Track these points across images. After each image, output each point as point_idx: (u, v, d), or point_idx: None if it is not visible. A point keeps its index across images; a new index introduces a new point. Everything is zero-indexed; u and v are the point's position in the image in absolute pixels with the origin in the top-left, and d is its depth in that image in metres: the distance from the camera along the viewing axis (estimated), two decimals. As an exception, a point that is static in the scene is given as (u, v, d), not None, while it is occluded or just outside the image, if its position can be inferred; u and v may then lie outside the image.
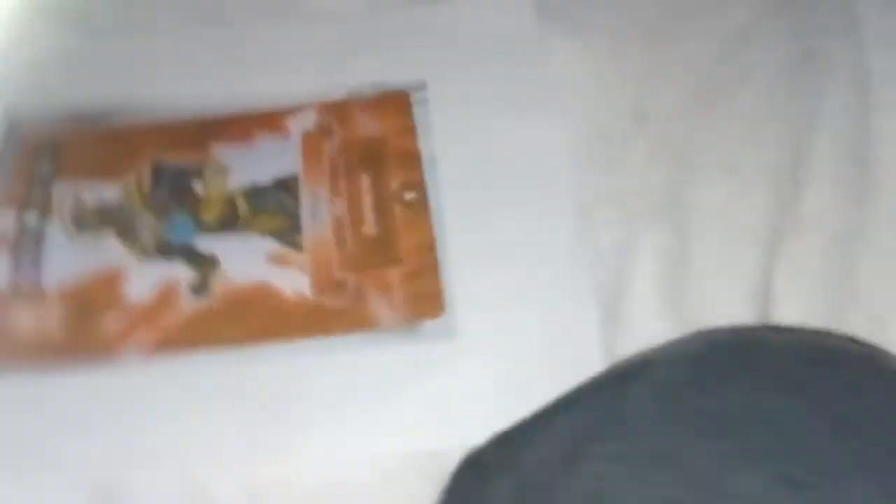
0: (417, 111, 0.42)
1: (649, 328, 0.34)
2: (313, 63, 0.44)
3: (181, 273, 0.37)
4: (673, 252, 0.37)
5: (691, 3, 0.44)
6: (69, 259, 0.36)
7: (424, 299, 0.36)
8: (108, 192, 0.38)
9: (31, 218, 0.37)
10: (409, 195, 0.39)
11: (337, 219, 0.39)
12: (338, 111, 0.42)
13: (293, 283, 0.37)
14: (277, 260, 0.37)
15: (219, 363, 0.34)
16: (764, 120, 0.40)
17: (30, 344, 0.34)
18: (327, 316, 0.36)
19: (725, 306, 0.35)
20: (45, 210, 0.38)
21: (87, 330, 0.35)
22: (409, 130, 0.41)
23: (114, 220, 0.38)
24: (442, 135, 0.41)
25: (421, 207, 0.39)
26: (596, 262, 0.37)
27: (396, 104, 0.42)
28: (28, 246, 0.36)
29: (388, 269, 0.37)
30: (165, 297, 0.36)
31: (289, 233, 0.38)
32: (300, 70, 0.43)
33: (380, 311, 0.36)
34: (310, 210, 0.39)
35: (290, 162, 0.40)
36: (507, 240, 0.38)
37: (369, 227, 0.39)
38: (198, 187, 0.39)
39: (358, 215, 0.39)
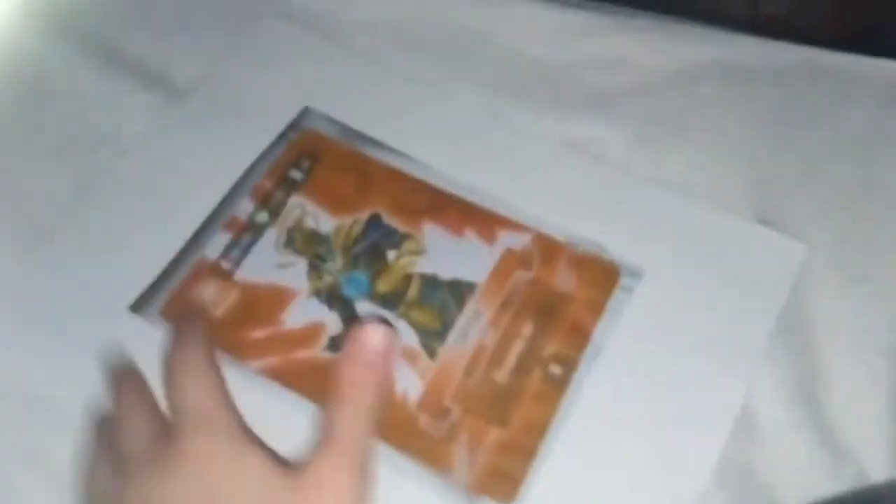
0: (618, 295, 0.39)
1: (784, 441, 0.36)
2: (561, 191, 0.43)
3: (331, 322, 0.40)
4: (801, 367, 0.37)
5: (803, 112, 0.45)
6: (265, 264, 0.41)
7: (504, 478, 0.35)
8: (325, 224, 0.43)
9: (263, 216, 0.43)
10: (555, 369, 0.38)
11: (481, 347, 0.38)
12: (547, 249, 0.41)
13: (406, 385, 0.38)
14: (407, 356, 0.38)
15: (303, 413, 0.37)
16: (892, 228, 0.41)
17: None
18: (414, 434, 0.36)
19: (863, 421, 0.36)
20: (274, 214, 0.43)
21: (240, 324, 0.40)
22: (598, 309, 0.39)
23: (314, 251, 0.42)
24: (625, 333, 0.38)
25: (559, 388, 0.37)
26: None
27: (603, 275, 0.40)
28: (247, 238, 0.42)
29: (491, 425, 0.36)
30: (308, 335, 0.39)
31: (433, 336, 0.39)
32: (545, 191, 0.43)
33: (457, 461, 0.36)
34: (465, 325, 0.39)
35: (477, 269, 0.41)
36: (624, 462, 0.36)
37: (502, 375, 0.38)
38: (390, 255, 0.41)
39: (500, 357, 0.38)
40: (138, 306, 0.40)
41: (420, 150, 0.45)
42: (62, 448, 0.35)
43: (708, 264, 0.40)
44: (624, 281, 0.40)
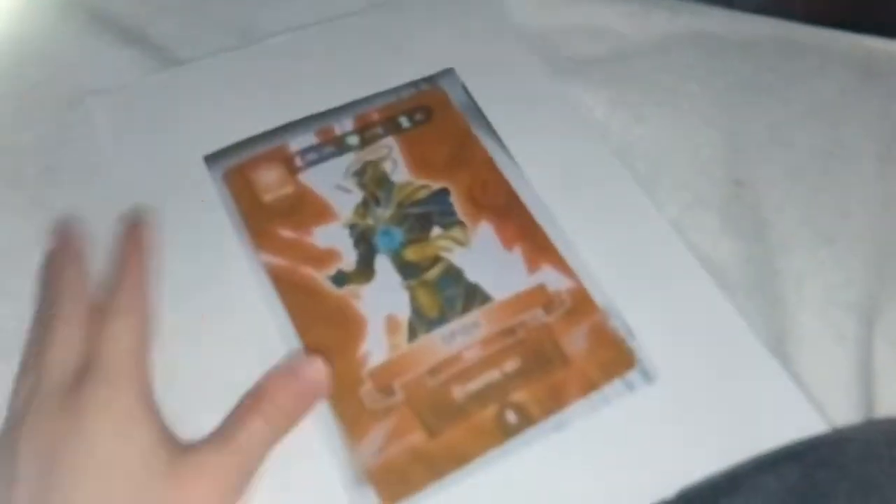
0: (617, 385, 0.37)
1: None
2: (630, 260, 0.40)
3: (348, 258, 0.40)
4: (771, 323, 0.39)
5: (769, 76, 0.47)
6: (329, 179, 0.42)
7: (400, 481, 0.34)
8: (399, 174, 0.43)
9: (354, 139, 0.44)
10: (511, 416, 0.35)
11: (458, 357, 0.37)
12: (580, 305, 0.39)
13: (373, 349, 0.37)
14: (390, 326, 0.38)
15: (271, 326, 0.38)
16: (858, 190, 0.43)
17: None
18: (350, 394, 0.36)
19: (832, 375, 0.37)
20: (363, 144, 0.44)
21: (277, 217, 0.41)
22: (588, 387, 0.37)
23: (373, 191, 0.42)
24: (599, 424, 0.36)
25: (503, 434, 0.35)
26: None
27: (615, 360, 0.38)
28: (328, 150, 0.43)
29: (421, 429, 0.35)
30: (323, 258, 0.40)
31: (424, 321, 0.38)
32: (615, 251, 0.41)
33: (370, 441, 0.34)
34: (458, 328, 0.38)
35: (501, 286, 0.39)
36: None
37: (461, 392, 0.36)
38: (434, 231, 0.41)
39: (469, 375, 0.37)
40: (212, 158, 0.42)
41: (522, 155, 0.43)
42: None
43: (723, 404, 0.36)
44: (631, 376, 0.36)
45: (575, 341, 0.37)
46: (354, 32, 0.48)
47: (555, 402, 0.36)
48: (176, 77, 0.45)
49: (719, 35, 0.48)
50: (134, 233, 0.37)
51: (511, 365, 0.37)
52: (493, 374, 0.36)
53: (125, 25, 0.47)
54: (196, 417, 0.32)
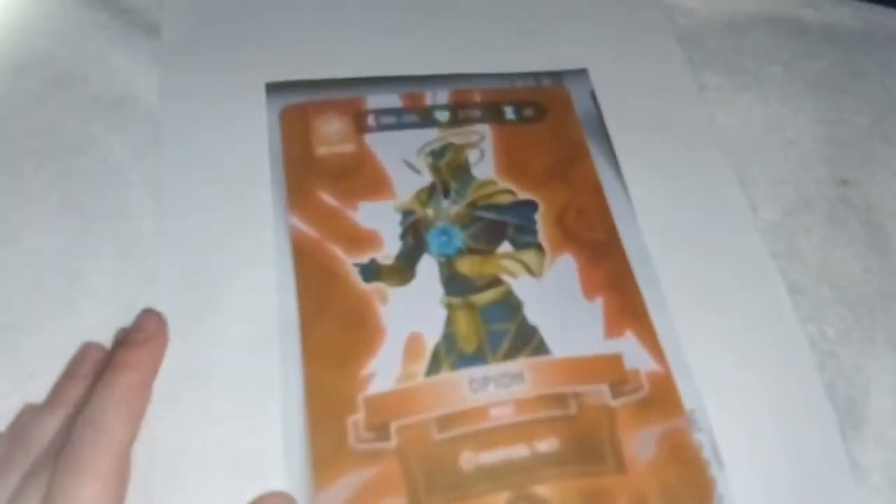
0: None
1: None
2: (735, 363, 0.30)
3: (388, 248, 0.31)
4: None
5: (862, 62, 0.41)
6: (398, 150, 0.34)
7: None
8: (482, 170, 0.34)
9: (443, 115, 0.36)
10: None
11: (480, 411, 0.28)
12: (659, 399, 0.29)
13: (380, 369, 0.29)
14: (411, 347, 0.29)
15: (279, 296, 0.30)
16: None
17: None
18: (335, 430, 0.27)
19: None
20: (452, 123, 0.36)
21: (325, 178, 0.33)
22: None
23: (445, 180, 0.34)
24: None
25: None
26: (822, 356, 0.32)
27: (691, 481, 0.27)
28: (409, 118, 0.35)
29: (404, 496, 0.26)
30: (359, 240, 0.32)
31: (452, 353, 0.29)
32: (721, 346, 0.31)
33: (337, 488, 0.26)
34: (491, 376, 0.29)
35: (565, 342, 0.30)
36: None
37: (471, 462, 0.27)
38: (502, 247, 0.32)
39: (489, 443, 0.28)
40: (275, 89, 0.35)
41: (639, 189, 0.34)
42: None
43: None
44: None
45: (640, 444, 0.28)
46: (483, 2, 0.40)
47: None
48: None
49: (796, 17, 0.42)
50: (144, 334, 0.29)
51: (547, 445, 0.27)
52: (519, 450, 0.27)
53: None
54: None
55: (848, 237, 0.36)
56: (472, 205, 0.33)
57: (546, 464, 0.27)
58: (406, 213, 0.32)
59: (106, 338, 0.29)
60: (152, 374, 0.27)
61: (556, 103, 0.37)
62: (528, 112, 0.36)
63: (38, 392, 0.27)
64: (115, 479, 0.24)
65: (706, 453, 0.28)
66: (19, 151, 0.33)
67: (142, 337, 0.27)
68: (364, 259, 0.31)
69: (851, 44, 0.42)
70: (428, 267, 0.31)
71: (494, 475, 0.26)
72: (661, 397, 0.29)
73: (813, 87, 0.40)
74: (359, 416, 0.27)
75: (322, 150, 0.34)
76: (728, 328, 0.31)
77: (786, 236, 0.35)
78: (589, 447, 0.27)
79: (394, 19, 0.38)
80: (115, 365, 0.26)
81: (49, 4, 0.37)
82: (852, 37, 0.43)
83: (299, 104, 0.35)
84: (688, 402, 0.29)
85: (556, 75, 0.38)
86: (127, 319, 0.29)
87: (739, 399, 0.29)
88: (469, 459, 0.27)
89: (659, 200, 0.34)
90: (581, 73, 0.38)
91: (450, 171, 0.34)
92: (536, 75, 0.38)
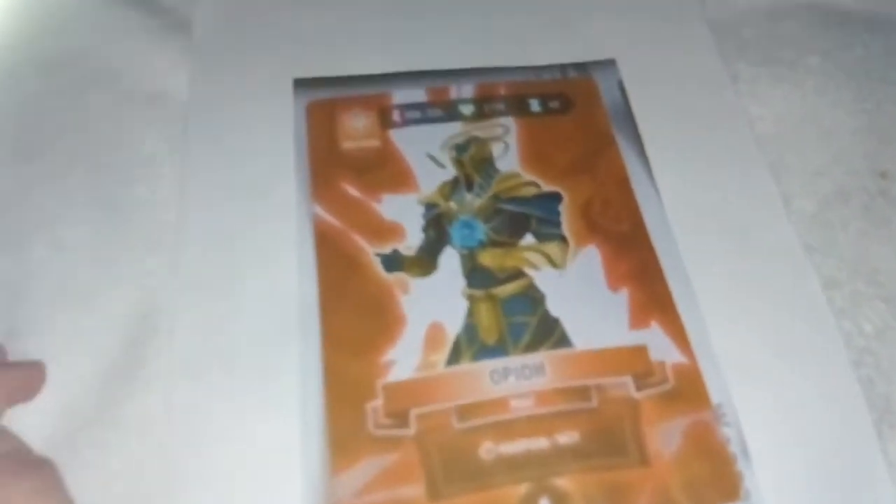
0: None
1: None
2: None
3: (410, 240, 0.32)
4: None
5: None
6: (423, 145, 0.34)
7: None
8: (506, 163, 0.34)
9: (468, 108, 0.36)
10: (544, 504, 0.25)
11: (501, 403, 0.28)
12: (684, 391, 0.29)
13: (398, 357, 0.29)
14: (432, 336, 0.29)
15: (295, 283, 0.30)
16: None
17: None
18: (353, 409, 0.27)
19: None
20: (477, 116, 0.36)
21: (350, 171, 0.34)
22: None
23: (469, 174, 0.34)
24: None
25: None
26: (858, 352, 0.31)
27: (718, 475, 0.26)
28: (434, 113, 0.35)
29: (422, 482, 0.26)
30: (381, 232, 0.32)
31: (474, 344, 0.29)
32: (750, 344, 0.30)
33: (352, 476, 0.26)
34: (513, 367, 0.29)
35: (588, 334, 0.30)
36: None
37: (491, 453, 0.27)
38: (526, 240, 0.32)
39: (509, 433, 0.27)
40: (303, 84, 0.36)
41: (666, 180, 0.34)
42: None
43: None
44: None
45: (665, 437, 0.27)
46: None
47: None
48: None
49: (835, 4, 0.41)
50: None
51: (568, 438, 0.27)
52: (540, 442, 0.27)
53: None
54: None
55: (887, 231, 0.34)
56: (496, 197, 0.33)
57: (567, 456, 0.27)
58: (429, 207, 0.32)
59: (132, 326, 0.29)
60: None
61: (582, 95, 0.37)
62: (553, 104, 0.36)
63: (65, 380, 0.28)
64: None
65: (733, 447, 0.27)
66: (55, 146, 0.34)
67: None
68: (386, 249, 0.31)
69: (892, 34, 0.41)
70: (450, 259, 0.31)
71: (514, 466, 0.26)
72: (687, 390, 0.28)
73: (852, 77, 0.39)
74: (378, 403, 0.27)
75: (347, 144, 0.34)
76: (758, 322, 0.30)
77: (822, 229, 0.34)
78: (611, 440, 0.27)
79: (419, 15, 0.39)
80: None
81: (84, 3, 0.38)
82: (893, 26, 0.41)
83: (326, 99, 0.35)
84: (715, 395, 0.28)
85: (583, 66, 0.37)
86: (152, 308, 0.29)
87: (769, 394, 0.29)
88: (489, 450, 0.26)
89: (687, 192, 0.33)
90: (609, 64, 0.38)
91: (473, 165, 0.34)
92: (563, 67, 0.37)
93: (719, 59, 0.38)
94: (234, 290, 0.30)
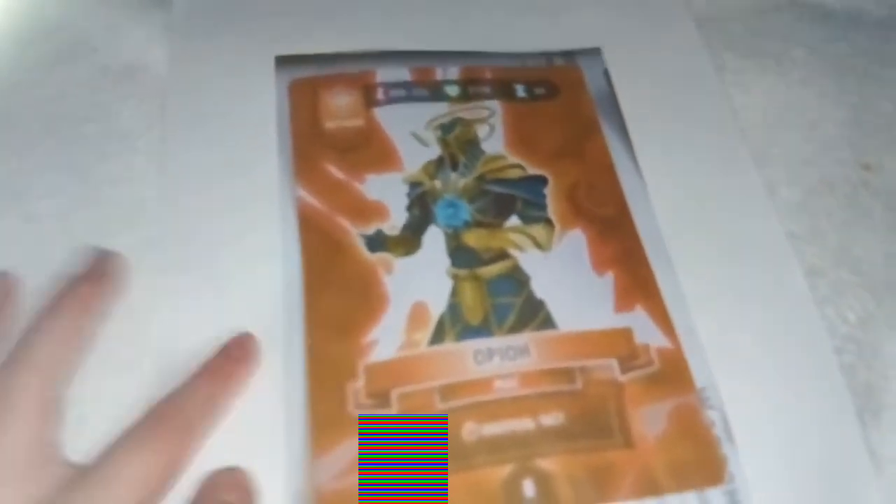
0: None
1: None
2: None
3: (395, 219, 0.31)
4: None
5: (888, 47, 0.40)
6: (407, 124, 0.34)
7: None
8: (492, 145, 0.34)
9: (453, 90, 0.35)
10: (530, 489, 0.25)
11: (484, 383, 0.27)
12: (670, 373, 0.28)
13: (382, 336, 0.28)
14: (415, 315, 0.29)
15: (276, 262, 0.29)
16: None
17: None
18: (335, 391, 0.27)
19: None
20: (462, 98, 0.35)
21: (333, 151, 0.33)
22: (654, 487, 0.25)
23: (454, 153, 0.33)
24: None
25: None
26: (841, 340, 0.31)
27: (702, 460, 0.26)
28: (419, 92, 0.35)
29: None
30: (364, 212, 0.31)
31: (457, 323, 0.29)
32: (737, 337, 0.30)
33: (329, 461, 0.25)
34: (497, 347, 0.28)
35: (572, 315, 0.29)
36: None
37: (473, 434, 0.26)
38: (510, 221, 0.31)
39: (493, 414, 0.27)
40: (285, 62, 0.35)
41: (651, 166, 0.34)
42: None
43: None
44: (712, 495, 0.26)
45: (649, 420, 0.27)
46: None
47: (595, 490, 0.25)
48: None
49: (819, 2, 0.41)
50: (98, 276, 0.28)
51: (552, 419, 0.26)
52: (524, 423, 0.26)
53: None
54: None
55: (870, 221, 0.35)
56: (481, 178, 0.32)
57: (551, 438, 0.26)
58: (413, 185, 0.32)
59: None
60: (98, 315, 0.27)
61: (568, 82, 0.36)
62: (539, 90, 0.36)
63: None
64: (41, 421, 0.24)
65: (717, 431, 0.27)
66: (28, 118, 0.33)
67: (93, 274, 0.27)
68: (370, 230, 0.30)
69: (876, 30, 0.41)
70: (434, 238, 0.30)
71: (498, 447, 0.26)
72: (672, 373, 0.28)
73: (836, 70, 0.39)
74: (359, 383, 0.26)
75: (330, 124, 0.33)
76: (741, 308, 0.30)
77: (806, 218, 0.34)
78: (596, 422, 0.27)
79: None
80: (59, 304, 0.26)
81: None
82: (877, 23, 0.41)
83: (308, 77, 0.35)
84: (699, 379, 0.28)
85: (569, 54, 0.37)
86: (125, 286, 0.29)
87: (753, 379, 0.28)
88: (472, 430, 0.26)
89: (671, 179, 0.33)
90: (594, 52, 0.37)
91: (458, 145, 0.33)
92: (548, 54, 0.37)
93: (704, 50, 0.38)
94: (214, 272, 0.29)
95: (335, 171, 0.32)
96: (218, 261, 0.30)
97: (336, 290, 0.29)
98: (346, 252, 0.30)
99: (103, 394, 0.26)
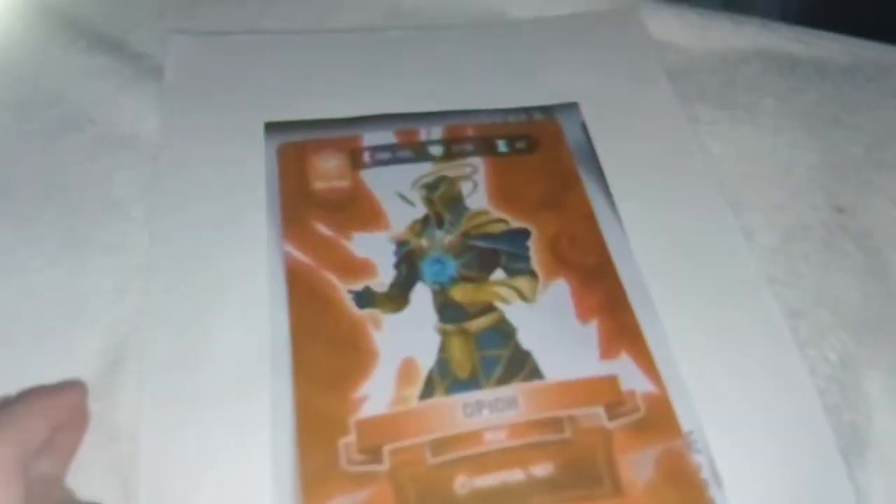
0: None
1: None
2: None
3: (382, 277, 0.32)
4: None
5: (854, 94, 0.42)
6: (393, 185, 0.35)
7: None
8: (475, 201, 0.35)
9: (437, 149, 0.37)
10: None
11: (474, 436, 0.28)
12: (656, 419, 0.29)
13: (372, 392, 0.28)
14: (404, 372, 0.29)
15: (264, 328, 0.30)
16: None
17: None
18: (325, 446, 0.27)
19: None
20: (446, 157, 0.36)
21: (320, 210, 0.34)
22: None
23: (439, 212, 0.34)
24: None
25: None
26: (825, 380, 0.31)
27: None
28: (403, 154, 0.36)
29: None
30: (353, 270, 0.32)
31: (446, 377, 0.29)
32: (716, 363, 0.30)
33: (327, 509, 0.25)
34: (486, 400, 0.29)
35: (559, 366, 0.30)
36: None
37: (465, 488, 0.27)
38: (496, 274, 0.32)
39: (483, 467, 0.27)
40: (274, 128, 0.36)
41: (630, 215, 0.35)
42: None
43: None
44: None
45: (637, 466, 0.27)
46: (475, 43, 0.41)
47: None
48: (263, 40, 0.40)
49: (787, 51, 0.44)
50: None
51: (542, 470, 0.27)
52: (514, 475, 0.27)
53: (102, 32, 0.40)
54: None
55: (846, 262, 0.36)
56: (466, 234, 0.33)
57: (542, 488, 0.26)
58: (400, 244, 0.33)
59: (102, 370, 0.29)
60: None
61: (547, 136, 0.38)
62: (520, 144, 0.37)
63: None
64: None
65: (705, 474, 0.27)
66: (27, 189, 0.34)
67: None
68: (358, 286, 0.31)
69: (841, 77, 0.43)
70: (422, 295, 0.31)
71: (489, 499, 0.26)
72: (659, 419, 0.28)
73: (806, 118, 0.41)
74: (350, 439, 0.27)
75: (318, 185, 0.35)
76: (725, 351, 0.31)
77: (785, 261, 0.35)
78: (585, 470, 0.27)
79: (388, 60, 0.40)
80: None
81: (59, 50, 0.38)
82: (841, 70, 0.43)
83: (297, 142, 0.36)
84: (686, 423, 0.28)
85: (548, 109, 0.39)
86: (123, 354, 0.29)
87: (738, 421, 0.29)
88: (464, 483, 0.26)
89: (651, 226, 0.34)
90: (572, 107, 0.39)
91: (443, 203, 0.34)
92: (528, 110, 0.39)
93: (677, 102, 0.40)
94: (204, 329, 0.30)
95: (323, 229, 0.33)
96: (207, 318, 0.30)
97: (325, 345, 0.30)
98: (335, 308, 0.30)
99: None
